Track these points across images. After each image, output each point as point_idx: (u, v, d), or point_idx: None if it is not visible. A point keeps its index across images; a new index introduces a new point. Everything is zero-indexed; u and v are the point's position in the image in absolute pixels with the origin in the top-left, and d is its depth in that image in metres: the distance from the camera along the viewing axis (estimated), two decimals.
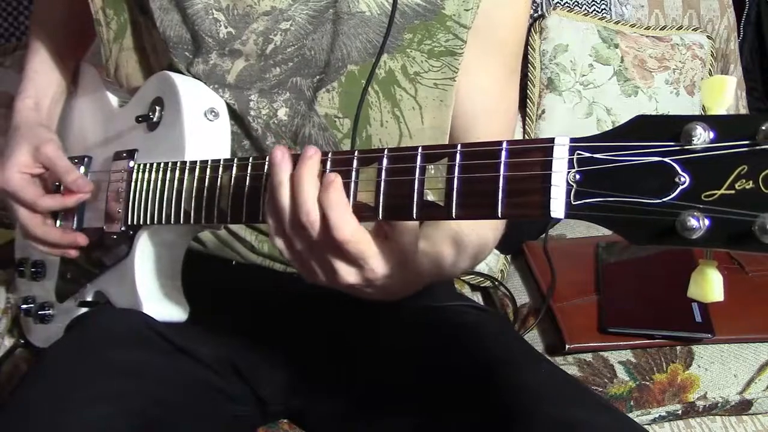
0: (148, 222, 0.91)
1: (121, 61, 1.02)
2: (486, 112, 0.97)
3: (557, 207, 0.56)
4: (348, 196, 0.69)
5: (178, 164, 0.87)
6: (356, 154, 0.69)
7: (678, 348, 1.27)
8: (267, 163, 0.74)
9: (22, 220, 1.00)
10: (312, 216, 0.68)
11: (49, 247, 1.01)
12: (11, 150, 1.01)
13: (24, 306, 1.14)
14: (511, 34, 0.95)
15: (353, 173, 0.69)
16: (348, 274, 0.70)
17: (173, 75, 0.93)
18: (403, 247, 0.71)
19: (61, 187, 1.01)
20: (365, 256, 0.69)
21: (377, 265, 0.70)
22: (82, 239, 0.99)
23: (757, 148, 0.48)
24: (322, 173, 0.69)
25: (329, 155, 0.71)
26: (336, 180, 0.68)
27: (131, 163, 0.95)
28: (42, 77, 1.10)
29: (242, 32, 0.91)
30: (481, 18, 0.90)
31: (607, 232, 0.55)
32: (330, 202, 0.67)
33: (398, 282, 0.73)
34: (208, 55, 0.93)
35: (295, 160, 0.70)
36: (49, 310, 1.09)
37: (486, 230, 0.96)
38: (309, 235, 0.69)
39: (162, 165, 0.90)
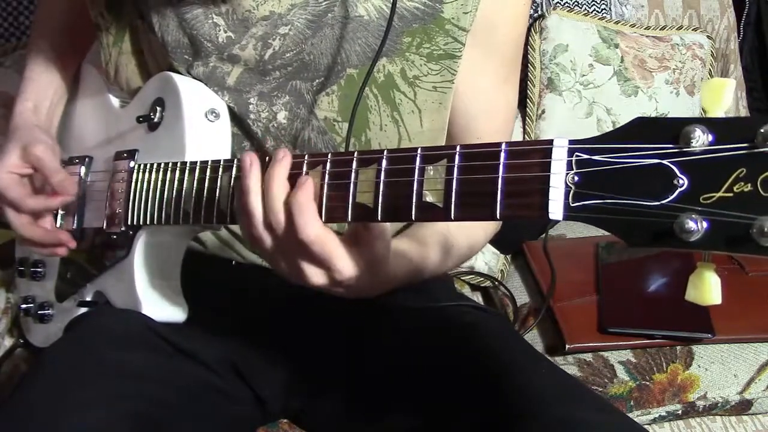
0: (148, 222, 0.91)
1: (121, 64, 1.02)
2: (485, 112, 0.97)
3: (556, 209, 0.56)
4: (347, 197, 0.69)
5: (179, 165, 0.88)
6: (355, 155, 0.69)
7: (678, 348, 1.27)
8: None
9: (10, 220, 1.00)
10: (279, 217, 0.70)
11: (36, 246, 1.01)
12: (3, 151, 1.01)
13: (24, 306, 1.14)
14: (510, 34, 0.95)
15: (352, 174, 0.69)
16: (314, 274, 0.72)
17: (174, 76, 0.93)
18: (374, 253, 0.73)
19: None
20: (331, 258, 0.71)
21: (343, 266, 0.71)
22: (65, 237, 0.99)
23: (756, 151, 0.48)
24: (320, 174, 0.71)
25: (329, 156, 0.71)
26: (307, 182, 0.70)
27: (132, 164, 0.95)
28: (42, 79, 1.10)
29: (241, 37, 0.91)
30: (480, 20, 0.90)
31: (606, 232, 0.55)
32: (296, 204, 0.69)
33: (367, 283, 0.75)
34: (207, 59, 0.93)
35: (267, 164, 0.73)
36: (48, 309, 1.09)
37: (477, 233, 0.96)
38: (277, 236, 0.71)
39: (162, 165, 0.90)
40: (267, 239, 0.72)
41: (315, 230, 0.69)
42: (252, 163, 0.72)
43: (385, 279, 0.78)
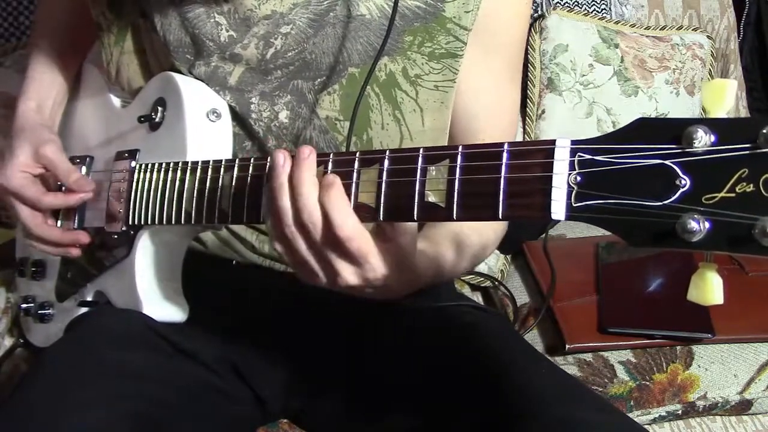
0: (149, 222, 0.91)
1: (122, 64, 1.02)
2: (487, 112, 0.97)
3: (558, 209, 0.56)
4: (349, 197, 0.69)
5: (180, 164, 0.88)
6: (358, 155, 0.69)
7: (678, 348, 1.27)
8: (268, 164, 0.74)
9: (24, 219, 1.00)
10: (314, 216, 0.69)
11: (51, 246, 1.01)
12: (12, 150, 1.01)
13: (24, 305, 1.14)
14: (512, 34, 0.95)
15: (354, 174, 0.69)
16: (349, 274, 0.71)
17: (176, 76, 0.93)
18: (402, 248, 0.72)
19: (63, 187, 1.01)
20: (366, 254, 0.69)
21: (377, 263, 0.70)
22: (84, 237, 0.99)
23: (758, 151, 0.48)
24: (322, 174, 0.70)
25: (331, 156, 0.71)
26: (336, 181, 0.68)
27: (133, 163, 0.95)
28: (45, 79, 1.10)
29: (243, 36, 0.91)
30: (481, 19, 0.90)
31: (607, 232, 0.55)
32: (331, 202, 0.68)
33: (396, 282, 0.74)
34: (209, 58, 0.93)
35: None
36: (48, 309, 1.09)
37: (488, 232, 0.96)
38: (311, 235, 0.70)
39: (164, 165, 0.90)
40: (299, 239, 0.71)
41: (352, 227, 0.68)
42: (285, 160, 0.71)
43: (412, 276, 0.77)
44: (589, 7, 1.89)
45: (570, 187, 0.56)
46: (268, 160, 0.74)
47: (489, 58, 0.93)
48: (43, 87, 1.10)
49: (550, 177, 0.57)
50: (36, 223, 1.00)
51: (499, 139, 0.92)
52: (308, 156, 0.70)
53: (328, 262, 0.71)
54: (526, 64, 1.78)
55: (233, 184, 0.80)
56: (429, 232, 0.91)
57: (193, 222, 0.85)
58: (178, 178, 0.87)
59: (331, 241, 0.69)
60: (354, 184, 0.69)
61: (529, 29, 1.79)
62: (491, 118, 0.97)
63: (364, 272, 0.71)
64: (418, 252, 0.80)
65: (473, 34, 0.90)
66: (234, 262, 1.03)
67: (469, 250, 0.92)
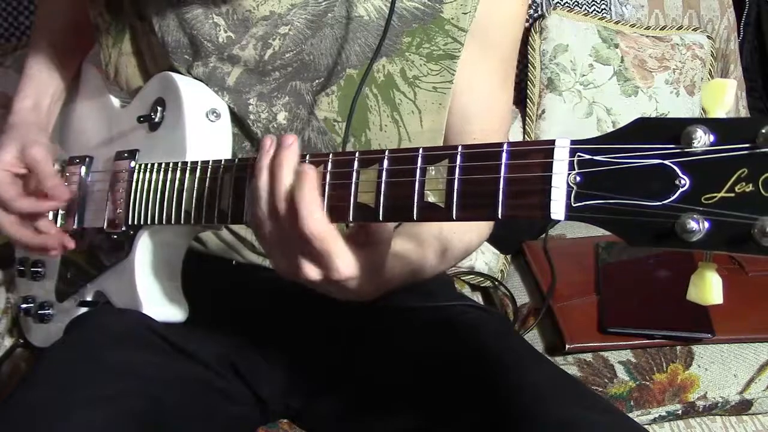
0: (148, 222, 0.91)
1: (121, 65, 1.02)
2: (481, 112, 0.97)
3: (557, 209, 0.56)
4: (348, 197, 0.69)
5: (180, 164, 0.88)
6: (357, 155, 0.69)
7: (678, 348, 1.27)
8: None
9: None
10: (282, 204, 0.69)
11: (23, 247, 1.01)
12: (0, 147, 1.01)
13: (24, 305, 1.14)
14: (507, 35, 0.95)
15: (354, 174, 0.69)
16: (310, 269, 0.70)
17: (175, 76, 0.93)
18: (374, 256, 0.72)
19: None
20: (330, 255, 0.68)
21: (342, 266, 0.69)
22: (53, 242, 0.99)
23: (757, 151, 0.48)
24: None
25: (330, 156, 0.71)
26: (310, 173, 0.67)
27: (132, 164, 0.95)
28: (43, 78, 1.10)
29: (242, 37, 0.91)
30: (478, 20, 0.90)
31: (607, 231, 0.55)
32: (301, 195, 0.67)
33: (363, 286, 0.73)
34: (207, 59, 0.93)
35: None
36: (48, 309, 1.09)
37: (471, 236, 0.96)
38: (279, 221, 0.70)
39: (163, 165, 0.90)
40: (268, 225, 0.71)
41: (318, 225, 0.67)
42: (271, 145, 0.71)
43: (382, 281, 0.77)
44: (589, 7, 1.89)
45: (569, 187, 0.56)
46: None
47: (485, 59, 0.93)
48: (41, 85, 1.10)
49: (550, 177, 0.57)
50: (6, 222, 0.99)
51: (493, 139, 0.93)
52: (290, 144, 0.70)
53: (292, 254, 0.70)
54: (526, 64, 1.78)
55: (233, 184, 0.80)
56: (412, 231, 0.90)
57: (192, 222, 0.85)
58: (177, 178, 0.87)
59: (296, 236, 0.68)
60: (353, 185, 0.69)
61: (529, 29, 1.79)
62: (486, 119, 0.97)
63: (327, 272, 0.70)
64: (400, 253, 0.81)
65: (470, 35, 0.90)
66: (234, 262, 1.03)
67: (450, 254, 0.92)
